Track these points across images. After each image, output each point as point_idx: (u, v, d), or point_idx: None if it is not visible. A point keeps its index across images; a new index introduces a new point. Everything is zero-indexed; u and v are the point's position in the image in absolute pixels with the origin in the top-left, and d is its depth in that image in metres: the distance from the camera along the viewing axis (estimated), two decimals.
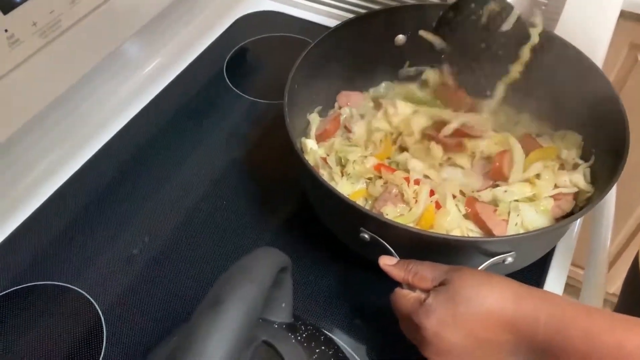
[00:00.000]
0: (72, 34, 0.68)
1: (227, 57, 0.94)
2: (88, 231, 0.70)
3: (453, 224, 0.63)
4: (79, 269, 0.66)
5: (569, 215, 0.64)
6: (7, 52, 0.60)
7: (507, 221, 0.63)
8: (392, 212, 0.64)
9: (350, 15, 0.82)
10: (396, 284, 0.53)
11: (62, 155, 0.78)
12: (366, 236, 0.57)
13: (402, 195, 0.65)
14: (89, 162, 0.78)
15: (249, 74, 0.92)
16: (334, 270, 0.66)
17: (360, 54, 0.75)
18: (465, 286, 0.47)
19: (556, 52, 0.68)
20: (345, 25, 0.73)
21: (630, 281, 0.87)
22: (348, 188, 0.68)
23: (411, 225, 0.62)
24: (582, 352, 0.42)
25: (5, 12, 0.58)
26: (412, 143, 0.71)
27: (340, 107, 0.78)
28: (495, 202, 0.65)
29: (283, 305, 0.45)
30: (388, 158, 0.71)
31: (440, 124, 0.71)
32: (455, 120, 0.70)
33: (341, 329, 0.61)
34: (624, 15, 0.90)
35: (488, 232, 0.62)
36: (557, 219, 0.63)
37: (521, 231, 0.62)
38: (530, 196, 0.64)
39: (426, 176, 0.67)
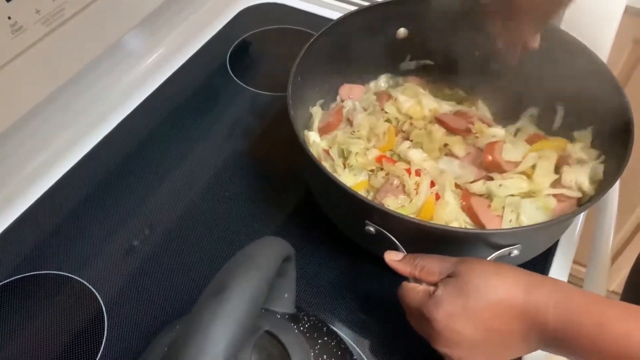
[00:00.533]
0: (75, 23, 0.67)
1: (230, 49, 0.93)
2: (89, 222, 0.70)
3: (451, 215, 0.62)
4: (81, 259, 0.66)
5: None
6: (10, 39, 0.59)
7: (501, 217, 0.62)
8: (393, 204, 0.64)
9: (353, 8, 0.81)
10: (402, 277, 0.52)
11: (63, 146, 0.78)
12: (371, 229, 0.57)
13: (404, 186, 0.65)
14: (91, 153, 0.78)
15: (252, 66, 0.92)
16: (337, 262, 0.66)
17: (362, 46, 0.75)
18: (475, 277, 0.47)
19: (561, 47, 0.68)
20: (347, 18, 0.73)
21: (634, 276, 0.87)
22: (350, 180, 0.67)
23: (412, 216, 0.61)
24: (592, 340, 0.42)
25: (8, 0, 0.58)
26: (418, 128, 0.72)
27: (342, 100, 0.78)
28: (490, 197, 0.64)
29: (286, 295, 0.45)
30: (391, 150, 0.71)
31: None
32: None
33: (343, 322, 0.61)
34: (629, 12, 0.90)
35: (481, 226, 0.62)
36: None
37: None
38: (527, 191, 0.64)
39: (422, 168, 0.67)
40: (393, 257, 0.54)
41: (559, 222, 0.59)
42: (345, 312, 0.62)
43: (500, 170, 0.66)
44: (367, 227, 0.57)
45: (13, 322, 0.61)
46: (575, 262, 0.69)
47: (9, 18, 0.58)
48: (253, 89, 0.87)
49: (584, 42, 0.67)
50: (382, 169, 0.68)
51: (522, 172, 0.65)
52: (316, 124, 0.74)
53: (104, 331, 0.60)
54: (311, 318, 0.47)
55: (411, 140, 0.71)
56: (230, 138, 0.80)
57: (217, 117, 0.83)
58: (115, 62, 0.84)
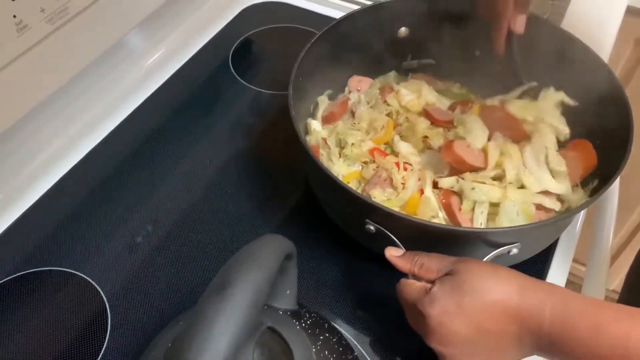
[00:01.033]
0: (79, 21, 0.68)
1: (233, 48, 0.94)
2: (92, 219, 0.71)
3: (434, 211, 0.63)
4: (84, 256, 0.67)
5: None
6: (15, 37, 0.60)
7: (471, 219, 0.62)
8: (379, 196, 0.65)
9: (355, 7, 0.82)
10: (401, 274, 0.53)
11: (66, 143, 0.79)
12: (371, 228, 0.57)
13: (391, 180, 0.65)
14: (93, 151, 0.78)
15: (254, 65, 0.92)
16: (338, 260, 0.66)
17: (365, 45, 0.75)
18: (471, 277, 0.47)
19: (562, 47, 0.68)
20: (349, 17, 0.73)
21: (633, 275, 0.87)
22: (344, 169, 0.69)
23: (397, 209, 0.62)
24: (588, 343, 0.42)
25: None
26: (408, 121, 0.73)
27: (350, 92, 0.79)
28: (461, 196, 0.64)
29: (288, 292, 0.46)
30: (386, 144, 0.71)
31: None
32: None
33: (344, 319, 0.61)
34: (630, 12, 0.90)
35: (457, 224, 0.62)
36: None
37: None
38: (498, 201, 0.63)
39: (407, 163, 0.67)
40: (393, 253, 0.54)
41: (559, 221, 0.60)
42: (346, 309, 0.62)
43: (466, 166, 0.64)
44: (367, 226, 0.58)
45: (17, 318, 0.62)
46: (575, 260, 0.69)
47: (14, 16, 0.59)
48: (255, 88, 0.87)
49: (585, 42, 0.67)
50: (374, 161, 0.68)
51: (494, 176, 0.65)
52: (320, 112, 0.75)
53: (107, 327, 0.61)
54: (312, 315, 0.47)
55: (400, 135, 0.72)
56: (232, 136, 0.81)
57: (220, 116, 0.83)
58: (119, 60, 0.85)
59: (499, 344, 0.47)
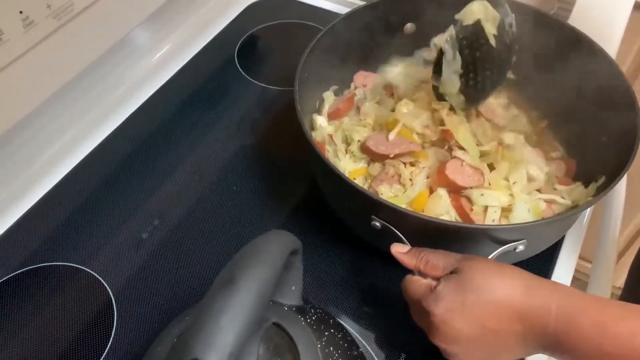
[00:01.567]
0: (85, 18, 0.68)
1: (238, 44, 0.94)
2: (99, 214, 0.71)
3: (443, 209, 0.63)
4: (90, 251, 0.67)
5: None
6: (22, 33, 0.60)
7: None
8: (386, 192, 0.64)
9: (361, 2, 0.82)
10: (407, 271, 0.53)
11: (72, 139, 0.79)
12: (377, 224, 0.57)
13: (399, 176, 0.65)
14: (100, 147, 0.79)
15: (260, 61, 0.92)
16: (343, 256, 0.66)
17: (372, 40, 0.75)
18: (476, 275, 0.47)
19: (569, 43, 0.68)
20: (355, 12, 0.73)
21: (635, 272, 0.87)
22: (350, 166, 0.69)
23: (404, 206, 0.62)
24: (594, 341, 0.42)
25: None
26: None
27: (356, 87, 0.79)
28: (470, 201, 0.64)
29: (293, 288, 0.46)
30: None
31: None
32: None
33: (348, 315, 0.61)
34: (638, 8, 0.89)
35: (470, 222, 0.62)
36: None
37: None
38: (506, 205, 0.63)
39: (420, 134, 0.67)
40: (399, 250, 0.54)
41: (565, 218, 0.59)
42: (351, 305, 0.62)
43: (462, 188, 0.64)
44: (373, 222, 0.57)
45: (24, 313, 0.62)
46: (581, 257, 0.69)
47: (21, 12, 0.59)
48: (261, 84, 0.87)
49: (592, 38, 0.67)
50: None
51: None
52: (326, 108, 0.75)
53: (113, 322, 0.61)
54: (318, 310, 0.47)
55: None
56: (238, 132, 0.81)
57: (225, 111, 0.83)
58: (125, 56, 0.85)
59: (503, 343, 0.47)
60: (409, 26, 0.77)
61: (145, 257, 0.67)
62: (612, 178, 0.57)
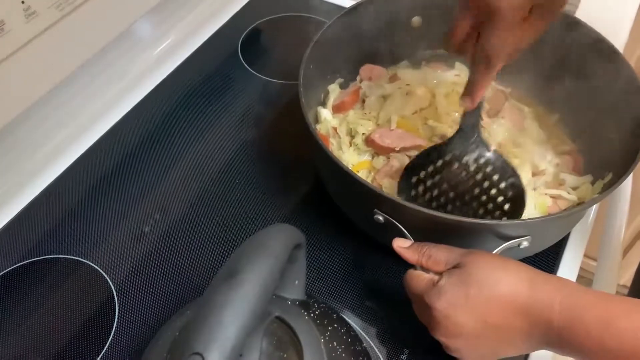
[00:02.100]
0: (87, 8, 0.67)
1: (242, 37, 0.93)
2: (101, 207, 0.71)
3: None
4: (92, 244, 0.67)
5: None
6: (24, 23, 0.60)
7: None
8: (390, 186, 0.64)
9: None
10: (409, 266, 0.53)
11: (74, 132, 0.78)
12: (380, 218, 0.57)
13: None
14: (102, 139, 0.78)
15: (263, 54, 0.91)
16: (345, 250, 0.66)
17: (378, 34, 0.74)
18: (479, 269, 0.47)
19: (576, 36, 0.67)
20: (360, 5, 0.72)
21: None
22: (354, 159, 0.68)
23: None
24: (598, 337, 0.41)
25: None
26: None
27: (361, 80, 0.78)
28: None
29: (296, 282, 0.46)
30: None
31: None
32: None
33: (351, 310, 0.61)
34: None
35: None
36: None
37: None
38: None
39: None
40: (401, 244, 0.54)
41: (570, 215, 0.59)
42: (354, 300, 0.62)
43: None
44: (376, 216, 0.57)
45: (25, 305, 0.62)
46: (585, 255, 0.69)
47: (23, 2, 0.59)
48: (265, 77, 0.87)
49: (600, 32, 0.66)
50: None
51: None
52: (331, 101, 0.74)
53: (114, 315, 0.61)
54: (321, 305, 0.47)
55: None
56: (241, 125, 0.80)
57: (229, 105, 0.83)
58: (127, 48, 0.84)
59: (507, 338, 0.46)
60: (416, 19, 0.76)
61: (147, 250, 0.66)
62: (619, 175, 0.56)
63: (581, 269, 0.66)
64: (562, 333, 0.43)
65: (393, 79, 0.76)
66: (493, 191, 0.60)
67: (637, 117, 0.59)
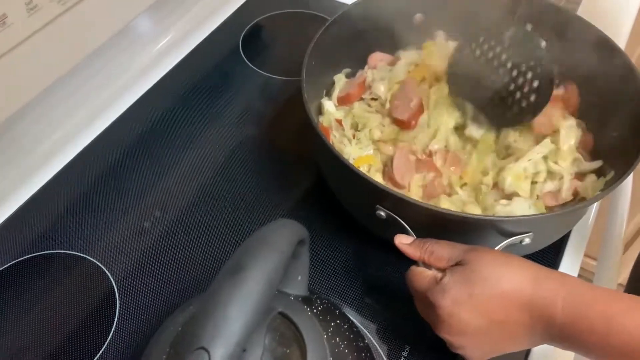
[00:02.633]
0: (89, 2, 0.67)
1: (243, 33, 0.93)
2: (101, 202, 0.71)
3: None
4: (93, 239, 0.67)
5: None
6: (26, 17, 0.59)
7: None
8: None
9: None
10: (411, 262, 0.52)
11: (75, 128, 0.78)
12: (382, 214, 0.57)
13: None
14: (102, 135, 0.78)
15: (265, 50, 0.91)
16: (347, 246, 0.66)
17: (381, 29, 0.74)
18: (483, 266, 0.47)
19: (578, 34, 0.67)
20: (362, 2, 0.72)
21: (638, 267, 0.86)
22: (356, 152, 0.68)
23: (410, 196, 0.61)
24: (601, 334, 0.41)
25: None
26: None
27: (369, 69, 0.77)
28: None
29: (299, 278, 0.46)
30: None
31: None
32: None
33: (353, 306, 0.61)
34: None
35: None
36: (563, 204, 0.63)
37: None
38: None
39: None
40: (403, 241, 0.53)
41: (572, 211, 0.59)
42: (356, 296, 0.62)
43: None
44: (377, 212, 0.57)
45: (25, 300, 0.62)
46: (586, 255, 0.69)
47: None
48: (266, 73, 0.87)
49: (601, 30, 0.66)
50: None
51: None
52: (336, 92, 0.73)
53: (115, 310, 0.60)
54: (324, 301, 0.47)
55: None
56: (242, 122, 0.80)
57: (230, 101, 0.83)
58: (128, 44, 0.84)
59: (511, 334, 0.46)
60: (419, 16, 0.76)
61: (148, 246, 0.66)
62: (621, 173, 0.56)
63: (581, 268, 0.67)
64: (565, 328, 0.43)
65: (395, 61, 0.76)
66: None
67: (638, 115, 0.59)
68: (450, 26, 0.75)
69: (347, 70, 0.76)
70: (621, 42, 0.79)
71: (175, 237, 0.67)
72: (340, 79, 0.74)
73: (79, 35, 0.68)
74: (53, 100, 0.74)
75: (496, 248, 0.54)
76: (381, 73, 0.74)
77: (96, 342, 0.58)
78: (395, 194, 0.54)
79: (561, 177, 0.63)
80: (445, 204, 0.62)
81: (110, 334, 0.59)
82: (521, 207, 0.61)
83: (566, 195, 0.62)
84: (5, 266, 0.64)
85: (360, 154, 0.68)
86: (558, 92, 0.68)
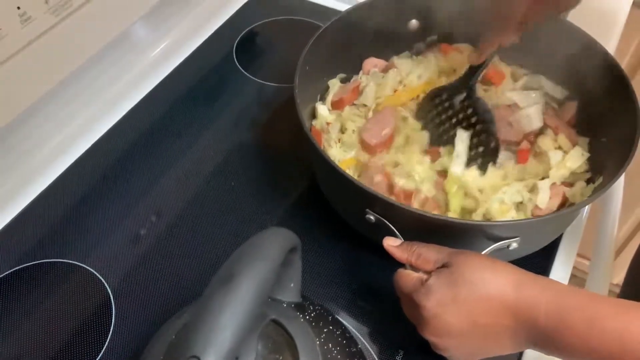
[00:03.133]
0: (83, 13, 0.67)
1: (237, 40, 0.93)
2: (97, 210, 0.71)
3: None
4: (88, 248, 0.67)
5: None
6: (19, 29, 0.60)
7: None
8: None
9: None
10: (400, 265, 0.53)
11: (70, 136, 0.78)
12: (371, 217, 0.57)
13: None
14: (97, 143, 0.78)
15: (258, 57, 0.92)
16: (340, 252, 0.66)
17: (375, 36, 0.74)
18: (468, 269, 0.47)
19: (568, 39, 0.68)
20: (355, 10, 0.72)
21: (634, 269, 0.87)
22: (340, 155, 0.69)
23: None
24: (584, 338, 0.42)
25: None
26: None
27: (363, 74, 0.78)
28: None
29: (292, 285, 0.46)
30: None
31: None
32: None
33: (346, 311, 0.61)
34: (637, 5, 0.90)
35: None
36: (560, 207, 0.63)
37: None
38: None
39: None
40: (391, 243, 0.54)
41: (558, 217, 0.59)
42: (348, 301, 0.62)
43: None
44: (367, 216, 0.58)
45: (21, 309, 0.62)
46: (579, 255, 0.69)
47: (19, 8, 0.59)
48: (259, 80, 0.87)
49: (591, 35, 0.67)
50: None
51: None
52: (330, 97, 0.74)
53: (111, 318, 0.61)
54: (317, 307, 0.47)
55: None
56: (236, 129, 0.81)
57: (224, 108, 0.83)
58: (123, 52, 0.85)
59: (494, 337, 0.47)
60: (414, 23, 0.76)
61: (143, 254, 0.67)
62: (611, 177, 0.57)
63: (575, 268, 0.67)
64: (548, 333, 0.44)
65: (389, 66, 0.77)
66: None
67: (628, 120, 0.60)
68: (446, 32, 0.76)
69: (342, 75, 0.76)
70: (610, 47, 0.79)
71: (170, 243, 0.67)
72: (334, 84, 0.75)
73: (72, 45, 0.69)
74: (47, 109, 0.75)
75: (483, 252, 0.55)
76: (373, 79, 0.75)
77: (93, 350, 0.59)
78: (384, 199, 0.54)
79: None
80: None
81: (107, 342, 0.59)
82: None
83: (552, 205, 0.62)
84: (2, 275, 0.65)
85: (344, 156, 0.68)
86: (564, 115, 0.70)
